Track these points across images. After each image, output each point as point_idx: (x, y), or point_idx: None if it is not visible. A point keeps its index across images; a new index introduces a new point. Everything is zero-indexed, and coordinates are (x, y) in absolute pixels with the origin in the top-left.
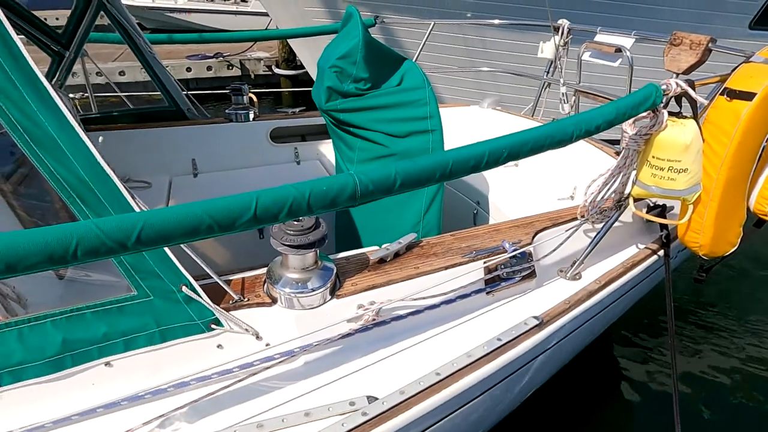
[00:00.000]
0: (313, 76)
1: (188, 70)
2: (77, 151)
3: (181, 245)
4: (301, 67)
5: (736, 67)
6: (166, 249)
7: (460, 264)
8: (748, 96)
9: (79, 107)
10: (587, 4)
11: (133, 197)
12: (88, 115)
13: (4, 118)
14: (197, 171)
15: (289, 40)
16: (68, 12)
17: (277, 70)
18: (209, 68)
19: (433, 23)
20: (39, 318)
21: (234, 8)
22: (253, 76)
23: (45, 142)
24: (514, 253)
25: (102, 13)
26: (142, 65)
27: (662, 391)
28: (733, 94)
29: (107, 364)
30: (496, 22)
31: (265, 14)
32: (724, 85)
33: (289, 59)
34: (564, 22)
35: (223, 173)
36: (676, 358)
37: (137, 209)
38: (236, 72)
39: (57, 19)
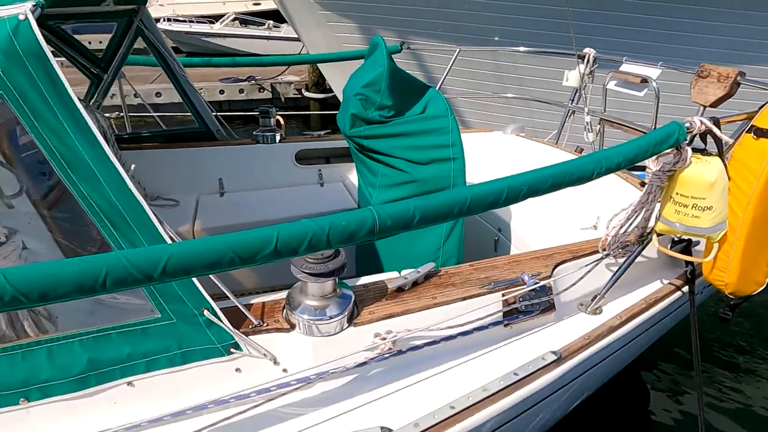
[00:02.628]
0: (341, 99)
1: (221, 92)
2: (110, 177)
3: None
4: (330, 90)
5: (764, 104)
6: None
7: (478, 295)
8: None
9: (114, 127)
10: (614, 30)
11: (161, 223)
12: (122, 135)
13: (43, 144)
14: (224, 190)
15: (319, 65)
16: (109, 36)
17: (306, 94)
18: (241, 91)
19: (458, 50)
20: (67, 337)
21: (267, 33)
22: (283, 99)
23: (80, 169)
24: (534, 287)
25: (139, 38)
26: (174, 87)
27: (687, 421)
28: (760, 133)
29: (129, 383)
30: (522, 49)
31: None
32: (750, 123)
33: (319, 83)
34: (590, 51)
35: (248, 193)
36: (702, 396)
37: (164, 234)
38: (267, 95)
39: (100, 42)
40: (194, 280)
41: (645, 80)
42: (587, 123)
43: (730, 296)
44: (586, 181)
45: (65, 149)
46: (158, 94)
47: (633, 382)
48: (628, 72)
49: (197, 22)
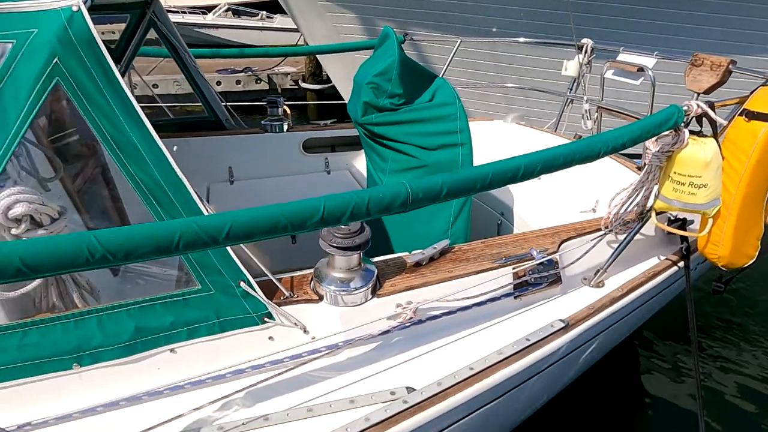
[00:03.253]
0: (340, 90)
1: (218, 83)
2: (155, 158)
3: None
4: (327, 81)
5: (755, 89)
6: (228, 247)
7: (491, 269)
8: (765, 117)
9: None
10: (611, 21)
11: (201, 200)
12: None
13: (95, 127)
14: (233, 178)
15: (318, 56)
16: (122, 26)
17: (303, 85)
18: (238, 82)
19: (459, 41)
20: (116, 307)
21: (260, 24)
22: (280, 90)
23: (128, 149)
24: (541, 261)
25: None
26: (186, 78)
27: (685, 398)
28: (752, 115)
29: (172, 350)
30: (521, 40)
31: (291, 30)
32: (742, 106)
33: (316, 73)
34: (587, 41)
35: (257, 181)
36: (698, 366)
37: (204, 211)
38: (264, 86)
39: (113, 33)
40: (232, 254)
41: (641, 69)
42: (585, 111)
43: (723, 269)
44: (594, 159)
45: (115, 131)
46: (155, 86)
47: (631, 357)
48: (625, 61)
49: (189, 12)
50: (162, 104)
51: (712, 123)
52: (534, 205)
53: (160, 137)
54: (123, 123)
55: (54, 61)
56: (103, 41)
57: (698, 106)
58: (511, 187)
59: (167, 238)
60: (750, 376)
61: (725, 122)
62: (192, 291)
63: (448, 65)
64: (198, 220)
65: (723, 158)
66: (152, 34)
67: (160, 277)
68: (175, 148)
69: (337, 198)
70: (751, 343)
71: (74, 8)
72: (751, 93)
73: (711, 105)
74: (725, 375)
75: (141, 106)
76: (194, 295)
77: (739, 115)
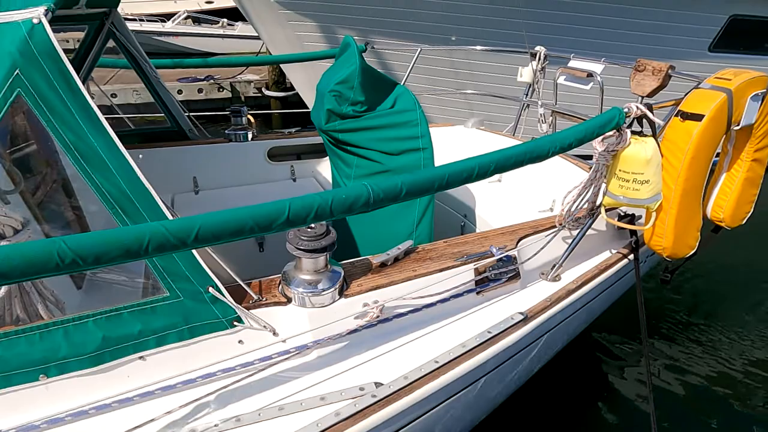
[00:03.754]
0: (304, 98)
1: (179, 92)
2: (120, 167)
3: (208, 252)
4: (291, 89)
5: (688, 92)
6: (195, 254)
7: (453, 267)
8: (698, 117)
9: None
10: (562, 29)
11: (168, 208)
12: None
13: (59, 138)
14: (198, 188)
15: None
16: (81, 34)
17: (267, 92)
18: (200, 90)
19: (419, 49)
20: (82, 317)
21: (221, 31)
22: (243, 98)
23: (93, 159)
24: (500, 257)
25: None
26: (147, 88)
27: (638, 386)
28: (686, 116)
29: (141, 358)
30: (478, 48)
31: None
32: (678, 108)
33: (279, 81)
34: (541, 49)
35: (223, 190)
36: (648, 355)
37: (170, 218)
38: (226, 94)
39: (67, 41)
40: (200, 260)
41: (590, 75)
42: (541, 115)
43: (668, 260)
44: (544, 159)
45: (79, 141)
46: (114, 95)
47: (585, 350)
48: (576, 67)
49: (148, 20)
50: (122, 115)
51: (651, 123)
52: (495, 207)
53: (126, 148)
54: (87, 133)
55: (15, 73)
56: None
57: (638, 108)
58: (473, 189)
59: (136, 241)
60: (698, 363)
61: (663, 123)
62: (160, 299)
63: (409, 72)
64: (166, 223)
65: (662, 156)
66: (111, 43)
67: (126, 286)
68: (140, 156)
69: (302, 199)
70: (699, 332)
71: (35, 21)
72: (685, 95)
73: (650, 107)
74: (675, 363)
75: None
76: (162, 303)
77: (675, 116)
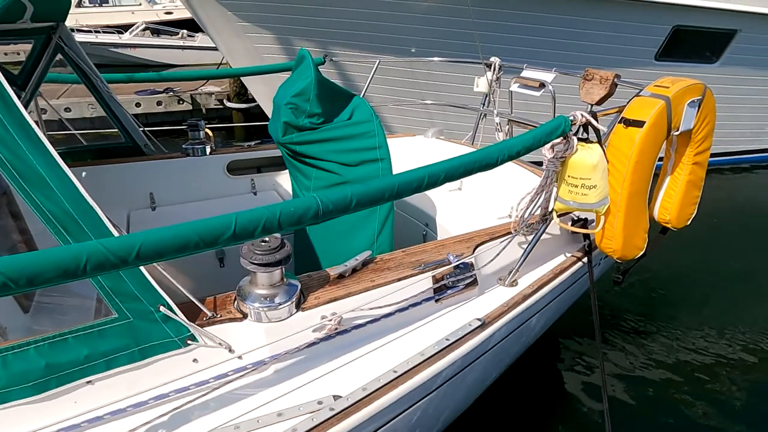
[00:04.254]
0: (266, 110)
1: (137, 105)
2: (62, 185)
3: (158, 269)
4: (253, 100)
5: (630, 100)
6: (144, 272)
7: (411, 276)
8: (639, 124)
9: None
10: (515, 40)
11: (115, 226)
12: None
13: None
14: (155, 204)
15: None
16: (28, 47)
17: (228, 104)
18: (159, 103)
19: (378, 60)
20: (22, 345)
21: (181, 43)
22: (204, 111)
23: (32, 179)
24: (457, 264)
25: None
26: (98, 103)
27: (593, 388)
28: (628, 122)
29: (89, 382)
30: (436, 59)
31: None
32: (621, 115)
33: (241, 93)
34: (495, 60)
35: (181, 206)
36: (602, 356)
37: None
38: (187, 107)
39: (17, 54)
40: (150, 278)
41: (542, 84)
42: (497, 124)
43: (619, 261)
44: (493, 167)
45: (17, 160)
46: (68, 110)
47: (543, 355)
48: (528, 77)
49: (104, 32)
50: (75, 131)
51: (596, 130)
52: (455, 214)
53: (74, 165)
54: (25, 151)
55: None
56: (4, 64)
57: (582, 116)
58: (434, 198)
59: (73, 261)
60: (651, 362)
61: (606, 130)
62: (108, 321)
63: (369, 84)
64: (105, 242)
65: (608, 161)
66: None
67: (76, 309)
68: (83, 174)
69: (249, 213)
70: (653, 331)
71: None
72: (628, 103)
73: (594, 114)
74: (628, 363)
75: (52, 133)
76: (110, 325)
77: (618, 122)
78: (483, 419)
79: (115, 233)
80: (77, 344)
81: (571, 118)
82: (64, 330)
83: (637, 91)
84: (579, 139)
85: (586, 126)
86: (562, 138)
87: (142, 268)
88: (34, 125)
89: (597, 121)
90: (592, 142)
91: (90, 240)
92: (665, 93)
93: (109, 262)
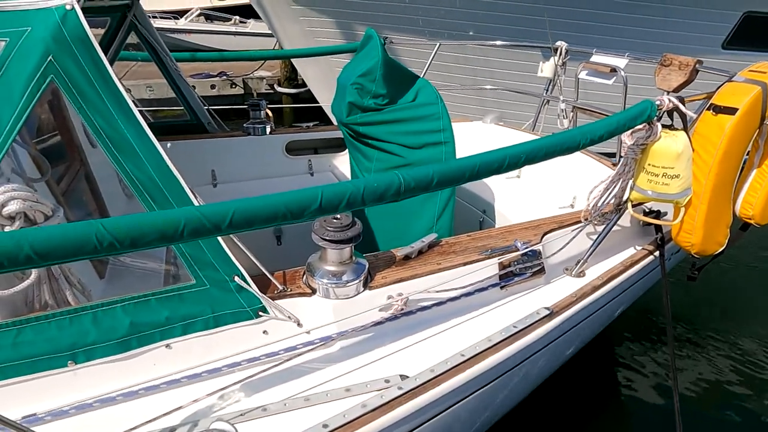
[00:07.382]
0: (316, 94)
1: (193, 88)
2: (150, 154)
3: (234, 241)
4: (303, 85)
5: (721, 85)
6: (222, 242)
7: (478, 260)
8: (731, 111)
9: None
10: (583, 27)
11: (196, 197)
12: None
13: (90, 125)
14: (216, 181)
15: (293, 60)
16: (101, 31)
17: (279, 89)
18: (213, 87)
19: (438, 44)
20: (111, 303)
21: (234, 29)
22: (255, 95)
23: (123, 147)
24: (525, 251)
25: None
26: (167, 81)
27: (662, 387)
28: (718, 109)
29: (167, 346)
30: (498, 43)
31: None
32: (710, 101)
33: (291, 78)
34: (562, 44)
35: (241, 183)
36: (674, 355)
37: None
38: (239, 90)
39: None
40: (226, 248)
41: (614, 70)
42: (562, 110)
43: (696, 257)
44: (575, 151)
45: (110, 128)
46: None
47: (607, 349)
48: (598, 62)
49: (161, 17)
50: (141, 108)
51: (683, 117)
52: (514, 202)
53: None
54: (117, 120)
55: (48, 59)
56: None
57: (670, 100)
58: (492, 185)
59: (172, 225)
60: (723, 362)
61: (695, 116)
62: (187, 286)
63: (427, 68)
64: (201, 208)
65: (693, 150)
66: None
67: (149, 274)
68: (168, 145)
69: (334, 187)
70: (724, 330)
71: (68, 7)
72: (718, 89)
73: (681, 100)
74: (699, 363)
75: None
76: (189, 290)
77: (707, 109)
78: (541, 409)
79: (195, 202)
80: (159, 306)
81: (658, 102)
82: (148, 291)
83: (725, 78)
84: (663, 126)
85: (671, 112)
86: (645, 123)
87: (219, 238)
88: (127, 97)
89: (685, 106)
90: (677, 128)
91: (172, 207)
92: (762, 79)
93: (205, 228)
